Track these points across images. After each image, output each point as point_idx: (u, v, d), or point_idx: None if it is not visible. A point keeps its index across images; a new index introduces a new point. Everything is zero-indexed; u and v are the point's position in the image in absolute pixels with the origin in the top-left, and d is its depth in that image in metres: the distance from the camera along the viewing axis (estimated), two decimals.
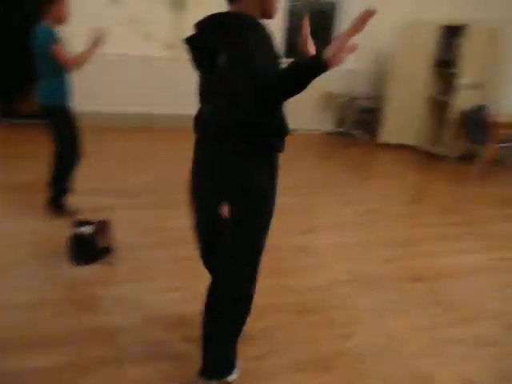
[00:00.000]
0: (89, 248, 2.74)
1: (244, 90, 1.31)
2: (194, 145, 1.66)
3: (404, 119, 6.34)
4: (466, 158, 5.69)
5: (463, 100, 5.72)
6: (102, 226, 2.83)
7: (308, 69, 1.23)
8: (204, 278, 1.79)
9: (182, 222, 2.40)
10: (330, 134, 7.13)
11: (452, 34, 5.84)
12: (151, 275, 2.61)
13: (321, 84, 6.82)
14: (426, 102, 6.23)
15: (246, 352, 1.95)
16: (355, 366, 1.99)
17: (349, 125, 6.96)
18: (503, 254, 3.29)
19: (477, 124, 5.37)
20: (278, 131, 1.51)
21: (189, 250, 2.14)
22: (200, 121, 1.58)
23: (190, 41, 1.50)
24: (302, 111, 6.74)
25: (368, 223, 3.66)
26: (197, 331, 1.78)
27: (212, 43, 1.41)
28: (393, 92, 6.36)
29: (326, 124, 7.18)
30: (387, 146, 6.38)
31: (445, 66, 5.97)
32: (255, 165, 1.50)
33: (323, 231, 3.44)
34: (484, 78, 5.81)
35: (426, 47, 6.06)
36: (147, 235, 3.09)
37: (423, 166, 5.80)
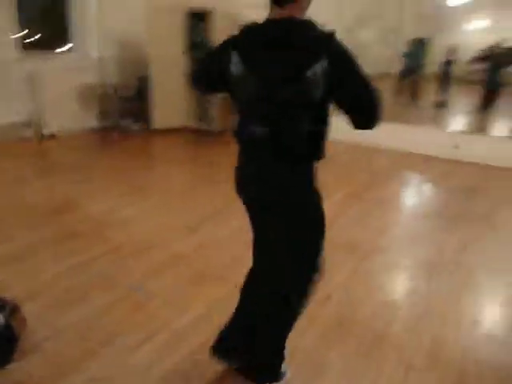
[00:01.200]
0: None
1: (359, 93, 1.36)
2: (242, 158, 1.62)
3: (172, 103, 6.57)
4: None
5: None
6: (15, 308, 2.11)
7: None
8: None
9: None
10: (96, 129, 6.66)
11: (198, 18, 6.33)
12: None
13: (73, 77, 6.27)
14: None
15: None
16: None
17: (115, 116, 6.67)
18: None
19: None
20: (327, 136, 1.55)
21: None
22: (251, 139, 1.50)
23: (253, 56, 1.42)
24: (60, 111, 6.06)
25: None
26: None
27: (302, 53, 1.35)
28: (155, 77, 6.44)
29: (90, 120, 6.64)
30: (162, 132, 6.52)
31: (198, 48, 6.44)
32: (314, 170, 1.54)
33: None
34: None
35: (177, 31, 6.36)
36: None
37: (199, 142, 6.28)
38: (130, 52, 6.79)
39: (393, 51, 18.11)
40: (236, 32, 1.49)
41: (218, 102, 6.46)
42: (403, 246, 3.22)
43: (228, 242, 3.14)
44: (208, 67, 1.62)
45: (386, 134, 5.12)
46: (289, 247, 1.61)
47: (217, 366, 1.91)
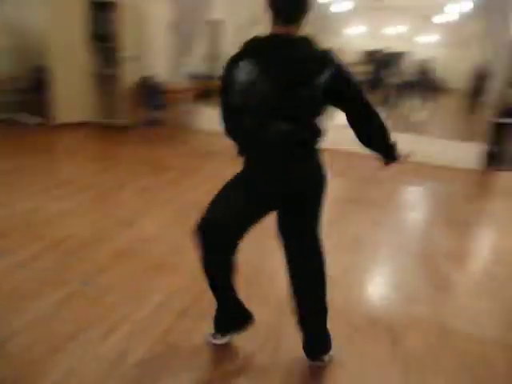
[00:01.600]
0: None
1: (356, 95, 1.67)
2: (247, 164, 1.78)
3: (75, 95, 6.26)
4: (153, 124, 6.44)
5: (128, 72, 6.28)
6: None
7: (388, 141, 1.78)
8: None
9: None
10: None
11: (102, 9, 6.11)
12: None
13: None
14: (92, 76, 6.35)
15: None
16: None
17: (9, 109, 6.14)
18: None
19: (153, 92, 6.12)
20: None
21: None
22: (258, 138, 1.69)
23: (266, 59, 1.60)
24: None
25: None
26: None
27: (311, 64, 1.59)
28: (55, 68, 6.07)
29: None
30: (64, 126, 6.18)
31: (102, 40, 6.22)
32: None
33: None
34: (140, 51, 6.50)
35: (78, 21, 6.07)
36: None
37: (107, 138, 6.10)
38: (27, 41, 6.30)
39: None
40: (238, 48, 1.68)
41: (125, 94, 6.32)
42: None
43: (165, 233, 3.21)
44: (226, 106, 1.78)
45: None
46: (314, 223, 1.85)
47: (187, 348, 2.04)
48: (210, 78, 7.67)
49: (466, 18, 10.90)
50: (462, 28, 13.06)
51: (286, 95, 1.60)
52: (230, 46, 7.99)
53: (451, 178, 5.45)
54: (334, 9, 14.61)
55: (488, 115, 5.89)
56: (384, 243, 3.40)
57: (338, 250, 3.14)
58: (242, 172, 1.82)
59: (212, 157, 5.47)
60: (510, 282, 2.94)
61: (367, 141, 1.77)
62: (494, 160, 6.05)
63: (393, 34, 19.31)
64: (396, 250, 3.29)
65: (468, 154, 5.90)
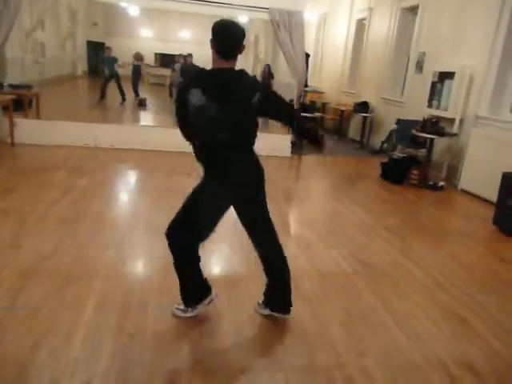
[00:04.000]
0: None
1: (285, 111, 2.36)
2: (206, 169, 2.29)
3: None
4: None
5: None
6: None
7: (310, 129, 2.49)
8: None
9: None
10: None
11: None
12: None
13: None
14: None
15: None
16: None
17: None
18: None
19: None
20: None
21: None
22: (213, 147, 2.22)
23: (218, 89, 2.12)
24: None
25: None
26: None
27: (246, 90, 2.17)
28: None
29: None
30: None
31: None
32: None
33: None
34: None
35: None
36: None
37: None
38: None
39: (73, 55, 18.06)
40: (189, 77, 2.15)
41: None
42: None
43: (58, 247, 3.26)
44: (182, 113, 2.21)
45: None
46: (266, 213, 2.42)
47: (150, 333, 2.38)
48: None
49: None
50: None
51: (228, 115, 2.15)
52: None
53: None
54: (131, 12, 14.79)
55: None
56: None
57: None
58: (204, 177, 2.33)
59: (46, 170, 5.34)
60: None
61: (300, 135, 2.51)
62: (296, 147, 7.49)
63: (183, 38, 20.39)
64: None
65: (280, 143, 7.19)
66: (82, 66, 20.04)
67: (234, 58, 2.17)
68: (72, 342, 2.24)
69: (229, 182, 2.26)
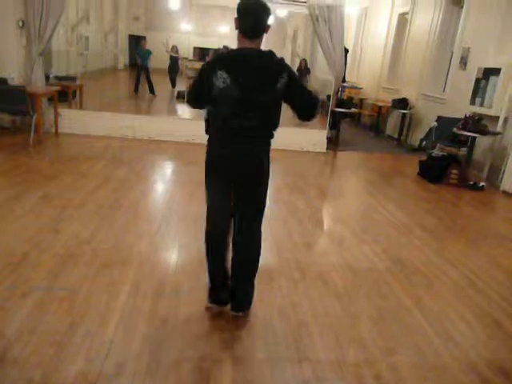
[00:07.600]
0: None
1: (308, 99, 2.22)
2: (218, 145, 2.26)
3: None
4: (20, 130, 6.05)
5: None
6: None
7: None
8: None
9: None
10: None
11: None
12: None
13: None
14: None
15: None
16: None
17: None
18: None
19: (17, 96, 5.71)
20: None
21: None
22: (230, 128, 2.16)
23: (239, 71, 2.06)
24: None
25: None
26: None
27: (271, 70, 2.10)
28: None
29: None
30: None
31: None
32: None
33: None
34: None
35: None
36: None
37: None
38: None
39: (115, 48, 18.50)
40: (214, 57, 2.11)
41: None
42: None
43: (96, 233, 3.38)
44: (198, 89, 2.19)
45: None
46: (260, 201, 2.35)
47: (179, 320, 2.43)
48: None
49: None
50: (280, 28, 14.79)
51: (252, 98, 2.09)
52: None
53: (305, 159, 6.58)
54: (171, 7, 15.00)
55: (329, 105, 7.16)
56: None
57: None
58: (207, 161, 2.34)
59: (87, 159, 5.51)
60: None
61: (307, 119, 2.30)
62: (332, 143, 7.41)
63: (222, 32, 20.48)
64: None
65: (315, 139, 7.12)
66: (124, 60, 20.49)
67: (259, 37, 2.11)
68: (107, 324, 2.33)
69: (233, 156, 2.20)
